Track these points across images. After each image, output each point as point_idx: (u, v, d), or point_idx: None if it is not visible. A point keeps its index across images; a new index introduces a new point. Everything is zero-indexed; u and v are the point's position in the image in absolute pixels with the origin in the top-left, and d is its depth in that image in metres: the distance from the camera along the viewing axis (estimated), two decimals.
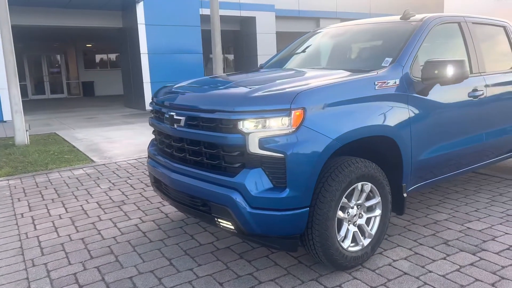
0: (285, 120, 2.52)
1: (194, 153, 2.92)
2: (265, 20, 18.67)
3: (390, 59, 3.23)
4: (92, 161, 6.71)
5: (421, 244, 3.29)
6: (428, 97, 3.23)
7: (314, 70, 3.54)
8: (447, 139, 3.48)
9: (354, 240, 2.92)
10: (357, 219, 2.93)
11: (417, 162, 3.21)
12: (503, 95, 4.00)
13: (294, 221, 2.58)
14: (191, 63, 15.65)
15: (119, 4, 14.95)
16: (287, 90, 2.66)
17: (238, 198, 2.58)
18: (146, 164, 3.73)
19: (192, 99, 2.97)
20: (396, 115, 3.00)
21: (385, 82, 2.99)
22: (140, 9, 14.48)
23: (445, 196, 4.42)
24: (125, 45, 16.23)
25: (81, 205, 4.52)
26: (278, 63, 4.34)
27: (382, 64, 3.21)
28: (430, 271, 2.87)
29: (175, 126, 2.97)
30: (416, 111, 3.13)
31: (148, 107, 14.83)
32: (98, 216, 4.18)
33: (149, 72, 14.87)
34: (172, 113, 3.00)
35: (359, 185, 2.84)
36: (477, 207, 4.10)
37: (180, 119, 2.92)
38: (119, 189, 5.05)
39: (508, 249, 3.17)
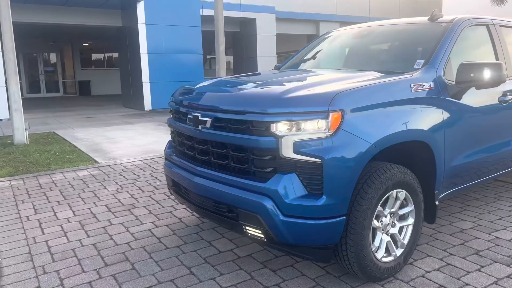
0: (322, 123, 2.37)
1: (220, 156, 2.76)
2: (265, 22, 18.55)
3: (422, 61, 3.10)
4: (96, 161, 6.51)
5: (451, 254, 3.15)
6: (461, 101, 3.11)
7: (342, 71, 3.41)
8: (478, 144, 3.36)
9: (387, 250, 2.78)
10: (390, 228, 2.79)
11: (449, 169, 3.08)
12: None
13: (330, 231, 2.43)
14: (191, 63, 15.47)
15: (119, 3, 14.75)
16: (324, 91, 2.52)
17: (270, 205, 2.43)
18: (163, 166, 3.53)
19: (219, 100, 2.81)
20: (431, 119, 2.87)
21: (420, 85, 2.85)
22: (140, 8, 14.28)
23: (465, 204, 4.30)
24: (124, 44, 16.02)
25: (89, 208, 4.34)
26: (298, 64, 4.19)
27: (414, 66, 3.08)
28: (467, 284, 2.74)
29: (200, 127, 2.82)
30: (450, 116, 3.00)
31: (147, 107, 14.72)
32: (108, 220, 4.00)
33: (149, 72, 14.66)
34: (196, 114, 2.84)
35: (394, 192, 2.70)
36: (501, 215, 3.98)
37: (206, 121, 2.77)
38: (127, 192, 4.87)
39: None
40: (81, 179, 5.47)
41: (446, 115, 2.97)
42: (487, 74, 2.94)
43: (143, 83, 14.60)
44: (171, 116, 3.39)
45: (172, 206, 4.34)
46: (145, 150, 7.27)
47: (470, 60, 3.06)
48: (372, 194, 2.52)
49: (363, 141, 2.44)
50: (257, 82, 3.04)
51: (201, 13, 15.69)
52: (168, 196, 4.66)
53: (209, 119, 2.75)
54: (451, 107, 3.02)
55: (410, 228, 2.88)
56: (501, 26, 3.82)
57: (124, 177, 5.53)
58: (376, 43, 3.83)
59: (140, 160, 6.48)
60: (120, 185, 5.14)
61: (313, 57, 4.22)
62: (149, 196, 4.70)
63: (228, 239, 3.50)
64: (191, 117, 2.90)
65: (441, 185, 3.06)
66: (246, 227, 2.63)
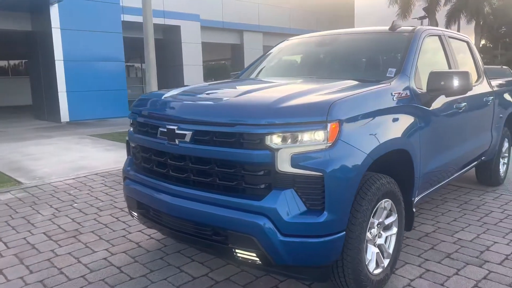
0: (320, 134, 2.23)
1: (203, 173, 2.50)
2: (190, 30, 18.20)
3: (394, 70, 3.11)
4: (19, 182, 5.73)
5: (427, 260, 3.19)
6: (430, 109, 3.17)
7: (317, 80, 3.30)
8: (443, 149, 3.48)
9: (376, 262, 2.71)
10: (377, 239, 2.73)
11: (423, 174, 3.13)
12: (475, 107, 4.14)
13: (332, 248, 2.29)
14: (112, 71, 14.58)
15: (28, 6, 13.46)
16: (318, 100, 2.39)
17: (267, 225, 2.23)
18: (123, 187, 3.13)
19: (201, 111, 2.54)
20: (409, 127, 2.89)
21: (399, 93, 2.86)
22: (54, 11, 13.14)
23: (418, 207, 4.45)
24: (35, 51, 14.65)
25: (24, 238, 3.74)
26: (263, 73, 4.03)
27: (387, 75, 3.09)
28: None
29: (177, 142, 2.52)
30: (423, 123, 3.05)
31: (64, 119, 13.53)
32: (52, 250, 3.47)
33: (65, 80, 13.49)
34: (172, 127, 2.54)
35: (382, 202, 2.65)
36: (454, 216, 4.18)
37: (185, 134, 2.48)
38: (66, 216, 4.31)
39: (506, 258, 3.21)
40: (6, 204, 4.75)
41: (420, 122, 3.01)
42: (456, 82, 3.04)
43: (59, 93, 13.41)
44: (132, 129, 3.03)
45: (124, 229, 3.91)
46: (75, 167, 6.59)
47: (439, 69, 3.15)
48: (366, 206, 2.44)
49: (360, 151, 2.35)
50: (239, 91, 2.82)
51: (122, 19, 14.92)
52: (117, 218, 4.20)
53: (188, 133, 2.47)
54: (423, 115, 3.07)
55: (393, 238, 2.85)
56: (449, 37, 4.03)
57: (58, 198, 4.91)
58: (342, 52, 3.81)
59: (73, 179, 5.83)
60: (56, 209, 4.54)
61: (278, 66, 4.10)
62: (94, 219, 4.20)
63: (199, 262, 3.21)
64: (164, 130, 2.60)
65: (416, 192, 3.09)
66: (237, 251, 2.38)
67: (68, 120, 13.58)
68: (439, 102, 3.29)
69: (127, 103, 14.59)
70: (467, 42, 4.55)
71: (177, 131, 2.52)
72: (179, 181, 2.61)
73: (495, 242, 3.51)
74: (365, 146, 2.40)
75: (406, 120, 2.87)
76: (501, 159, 5.19)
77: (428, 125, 3.13)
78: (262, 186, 2.30)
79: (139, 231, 3.84)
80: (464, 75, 3.07)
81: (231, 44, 22.38)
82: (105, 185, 5.45)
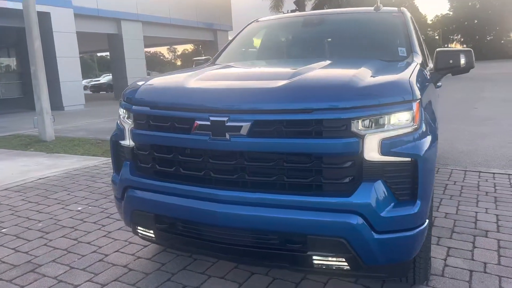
0: (407, 115, 2.01)
1: (264, 172, 2.07)
2: (62, 17, 16.14)
3: (404, 49, 3.05)
4: None
5: (440, 237, 3.23)
6: (436, 88, 3.20)
7: (342, 59, 3.01)
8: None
9: None
10: None
11: None
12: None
13: (421, 239, 2.11)
14: None
15: None
16: (395, 78, 2.16)
17: (361, 224, 1.94)
18: (124, 200, 2.49)
19: (263, 97, 2.08)
20: (435, 103, 2.86)
21: (426, 71, 2.79)
22: None
23: None
24: None
25: None
26: (259, 55, 3.63)
27: (400, 54, 3.00)
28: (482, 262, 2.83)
29: (227, 136, 2.04)
30: (435, 100, 3.06)
31: None
32: None
33: None
34: (219, 118, 2.05)
35: None
36: None
37: (240, 126, 2.02)
38: (4, 246, 3.33)
39: (499, 226, 3.43)
40: None
41: (435, 99, 3.01)
42: (463, 60, 3.10)
43: None
44: (134, 125, 2.41)
45: (96, 252, 3.16)
46: None
47: (445, 48, 3.18)
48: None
49: (434, 129, 2.22)
50: (289, 72, 2.36)
51: None
52: (75, 239, 3.39)
53: (245, 124, 2.02)
54: (435, 93, 3.07)
55: None
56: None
57: None
58: (343, 32, 3.60)
59: None
60: None
61: (272, 47, 3.72)
62: (45, 245, 3.32)
63: (219, 277, 2.73)
64: (206, 123, 2.09)
65: None
66: (318, 258, 2.04)
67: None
68: (438, 80, 3.35)
69: None
70: None
71: (228, 124, 2.04)
72: (229, 184, 2.14)
73: (477, 212, 3.74)
74: (434, 124, 2.28)
75: (434, 97, 2.84)
76: None
77: (436, 102, 3.16)
78: (347, 179, 1.99)
79: (116, 251, 3.15)
80: (469, 53, 3.15)
81: (108, 34, 20.58)
82: (30, 201, 4.41)
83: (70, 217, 3.90)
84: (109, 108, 16.21)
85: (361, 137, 1.94)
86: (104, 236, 3.45)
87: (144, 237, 2.53)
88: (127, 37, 20.66)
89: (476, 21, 70.08)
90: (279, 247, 2.08)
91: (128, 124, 2.48)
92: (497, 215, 3.62)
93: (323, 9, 35.44)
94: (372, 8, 3.61)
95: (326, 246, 2.00)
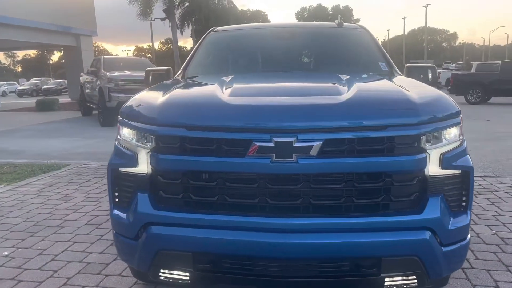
0: (457, 129, 2.10)
1: (331, 194, 1.92)
2: None
3: (384, 63, 3.19)
4: None
5: None
6: None
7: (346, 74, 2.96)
8: None
9: None
10: None
11: None
12: None
13: (468, 247, 2.19)
14: None
15: None
16: (437, 93, 2.22)
17: (432, 239, 1.95)
18: (146, 239, 2.06)
19: (335, 113, 1.91)
20: None
21: None
22: None
23: None
24: None
25: None
26: (218, 69, 3.34)
27: (383, 69, 3.13)
28: None
29: (294, 158, 1.84)
30: None
31: None
32: None
33: None
34: (284, 139, 1.84)
35: None
36: None
37: (310, 147, 1.84)
38: None
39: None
40: None
41: None
42: (430, 75, 3.36)
43: None
44: (163, 150, 2.01)
45: None
46: None
47: (413, 63, 3.41)
48: None
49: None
50: (337, 88, 2.22)
51: None
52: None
53: (316, 144, 1.85)
54: None
55: None
56: None
57: None
58: (315, 46, 3.55)
59: None
60: None
61: (240, 60, 3.47)
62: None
63: None
64: (270, 144, 1.85)
65: None
66: (390, 279, 1.97)
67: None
68: None
69: None
70: None
71: (296, 144, 1.84)
72: (291, 211, 1.93)
73: None
74: None
75: None
76: None
77: None
78: (414, 196, 1.98)
79: None
80: (433, 68, 3.44)
81: None
82: None
83: (0, 266, 3.10)
84: None
85: (427, 153, 1.95)
86: (65, 284, 2.81)
87: (169, 282, 2.12)
88: None
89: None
90: (351, 273, 1.95)
91: (143, 148, 2.06)
92: None
93: (191, 18, 35.51)
94: (334, 23, 3.70)
95: (400, 266, 1.96)
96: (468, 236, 2.14)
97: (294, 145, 1.85)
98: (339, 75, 2.64)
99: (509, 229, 3.57)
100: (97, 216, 4.11)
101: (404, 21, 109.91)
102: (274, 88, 2.51)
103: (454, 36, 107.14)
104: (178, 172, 2.00)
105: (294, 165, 1.86)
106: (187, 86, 2.75)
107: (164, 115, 2.05)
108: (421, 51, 63.28)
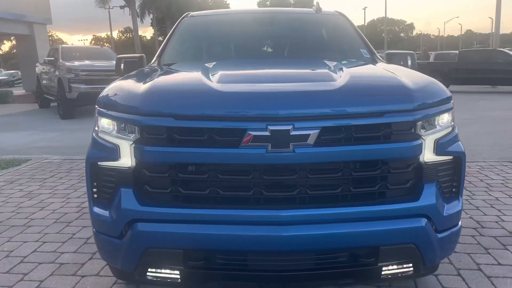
0: (450, 114, 2.10)
1: (328, 184, 1.86)
2: None
3: (365, 50, 3.15)
4: None
5: None
6: None
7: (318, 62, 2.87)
8: None
9: None
10: None
11: None
12: None
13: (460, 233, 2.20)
14: None
15: None
16: (428, 79, 2.19)
17: (428, 226, 1.94)
18: (132, 236, 1.91)
19: (331, 100, 1.83)
20: None
21: None
22: None
23: None
24: None
25: None
26: (206, 55, 3.21)
27: (364, 56, 3.10)
28: None
29: (291, 147, 1.76)
30: None
31: None
32: None
33: None
34: (280, 127, 1.75)
35: None
36: None
37: (307, 135, 1.77)
38: None
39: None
40: None
41: None
42: (409, 61, 3.35)
43: None
44: (148, 141, 1.87)
45: None
46: None
47: (393, 50, 3.39)
48: None
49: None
50: (330, 74, 2.14)
51: None
52: None
53: (313, 132, 1.77)
54: None
55: None
56: None
57: None
58: (295, 32, 3.44)
59: None
60: None
61: (222, 45, 3.31)
62: None
63: None
64: (265, 133, 1.75)
65: None
66: (387, 269, 1.94)
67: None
68: None
69: None
70: None
71: (292, 133, 1.75)
72: (287, 203, 1.85)
73: None
74: None
75: None
76: None
77: None
78: (410, 183, 1.95)
79: None
80: (412, 55, 3.43)
81: None
82: None
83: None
84: None
85: (423, 139, 1.92)
86: None
87: (158, 281, 1.99)
88: None
89: None
90: (349, 263, 1.91)
91: (126, 140, 1.91)
92: None
93: (152, 6, 34.58)
94: (312, 9, 3.63)
95: (397, 255, 1.94)
96: (460, 222, 2.14)
97: (291, 133, 1.76)
98: (325, 61, 2.57)
99: (483, 212, 3.67)
100: (66, 213, 3.88)
101: (365, 12, 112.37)
102: (264, 75, 2.41)
103: (411, 26, 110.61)
104: (166, 165, 1.87)
105: (291, 155, 1.77)
106: (169, 72, 2.60)
107: (148, 104, 1.90)
108: (380, 41, 64.81)
